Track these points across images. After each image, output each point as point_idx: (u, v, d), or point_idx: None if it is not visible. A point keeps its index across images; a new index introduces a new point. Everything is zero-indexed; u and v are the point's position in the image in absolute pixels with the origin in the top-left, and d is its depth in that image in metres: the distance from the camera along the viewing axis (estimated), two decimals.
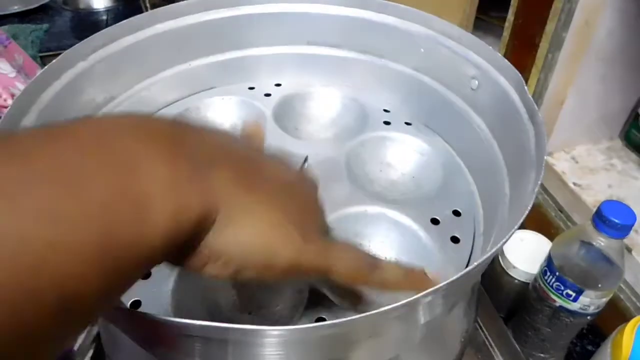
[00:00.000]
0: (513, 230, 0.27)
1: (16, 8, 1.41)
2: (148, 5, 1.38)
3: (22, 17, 1.40)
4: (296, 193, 0.25)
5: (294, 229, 0.23)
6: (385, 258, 0.39)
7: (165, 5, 1.35)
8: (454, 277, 0.25)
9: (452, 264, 0.37)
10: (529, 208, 0.28)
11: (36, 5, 1.45)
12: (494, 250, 0.26)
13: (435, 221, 0.40)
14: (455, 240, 0.39)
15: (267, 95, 0.54)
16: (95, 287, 0.16)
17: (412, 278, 0.28)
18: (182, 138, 0.21)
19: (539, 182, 0.30)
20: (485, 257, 0.27)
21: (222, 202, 0.21)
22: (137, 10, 1.49)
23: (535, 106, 0.35)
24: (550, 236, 0.66)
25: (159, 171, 0.19)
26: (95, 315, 0.19)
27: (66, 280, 0.15)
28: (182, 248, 0.20)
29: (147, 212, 0.18)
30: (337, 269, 0.25)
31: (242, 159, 0.23)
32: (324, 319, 0.33)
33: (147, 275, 0.35)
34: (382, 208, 0.41)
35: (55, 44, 1.32)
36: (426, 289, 0.24)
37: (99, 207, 0.16)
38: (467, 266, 0.37)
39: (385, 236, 0.40)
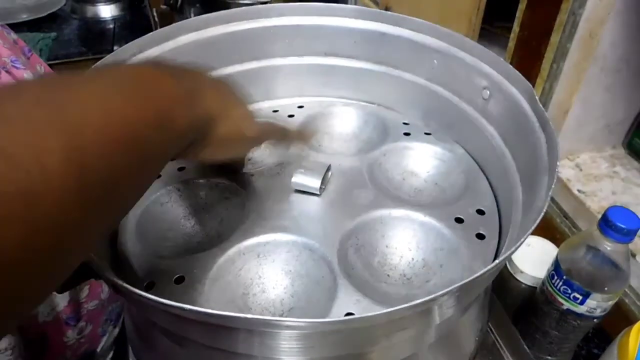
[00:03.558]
0: (530, 231, 0.28)
1: (25, 17, 1.43)
2: (155, 14, 1.40)
3: (31, 25, 1.42)
4: (235, 93, 0.38)
5: (251, 117, 0.38)
6: (413, 259, 0.41)
7: (171, 14, 1.35)
8: (466, 280, 0.27)
9: (480, 259, 0.39)
10: (544, 210, 0.29)
11: (45, 14, 1.47)
12: (512, 249, 0.28)
13: (459, 220, 0.42)
14: (480, 237, 0.41)
15: (291, 116, 0.56)
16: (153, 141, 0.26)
17: (305, 134, 0.51)
18: (172, 73, 0.30)
19: (552, 186, 0.31)
20: (502, 257, 0.29)
21: (216, 110, 0.33)
22: (144, 19, 1.51)
23: (547, 115, 0.37)
24: (556, 242, 0.67)
25: (171, 93, 0.29)
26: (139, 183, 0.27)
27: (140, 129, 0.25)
28: (191, 144, 0.32)
29: (172, 113, 0.28)
30: (274, 135, 0.45)
31: (209, 83, 0.35)
32: (352, 314, 0.34)
33: (181, 280, 0.37)
34: (406, 210, 0.42)
35: (64, 52, 1.34)
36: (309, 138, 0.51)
37: (153, 108, 0.26)
38: (493, 260, 0.39)
39: (412, 236, 0.41)
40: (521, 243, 0.28)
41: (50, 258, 0.19)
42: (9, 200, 0.17)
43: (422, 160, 0.49)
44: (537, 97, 0.38)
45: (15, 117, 0.19)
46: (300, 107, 0.58)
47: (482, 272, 0.27)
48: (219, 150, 0.36)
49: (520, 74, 0.41)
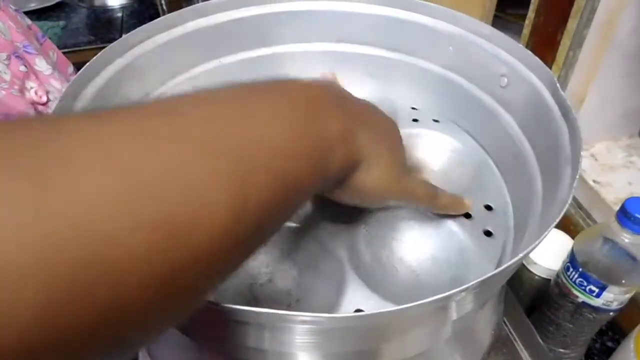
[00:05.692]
0: (554, 223, 0.27)
1: (33, 5, 1.43)
2: (163, 2, 1.39)
3: (40, 14, 1.42)
4: (396, 138, 0.35)
5: (400, 170, 0.34)
6: (421, 255, 0.40)
7: (178, 2, 1.34)
8: (488, 275, 0.26)
9: (487, 257, 0.38)
10: (569, 202, 0.28)
11: (53, 2, 1.46)
12: (536, 242, 0.27)
13: (467, 215, 0.41)
14: (488, 234, 0.40)
15: None
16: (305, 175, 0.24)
17: (457, 203, 0.40)
18: (339, 102, 0.29)
19: (577, 177, 0.30)
20: (525, 251, 0.28)
21: (364, 155, 0.30)
22: (152, 7, 1.50)
23: (569, 103, 0.36)
24: (570, 233, 0.66)
25: (336, 128, 0.26)
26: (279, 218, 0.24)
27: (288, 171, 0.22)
28: (336, 182, 0.30)
29: (332, 153, 0.26)
30: (418, 198, 0.37)
31: (370, 121, 0.31)
32: (362, 311, 0.33)
33: None
34: None
35: (72, 40, 1.34)
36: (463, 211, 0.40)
37: (311, 141, 0.25)
38: (500, 259, 0.38)
39: (419, 231, 0.40)
40: (545, 235, 0.27)
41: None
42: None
43: (430, 150, 0.48)
44: (558, 85, 0.37)
45: (189, 137, 0.18)
46: None
47: (505, 266, 0.26)
48: (354, 196, 0.33)
49: (540, 61, 0.40)
